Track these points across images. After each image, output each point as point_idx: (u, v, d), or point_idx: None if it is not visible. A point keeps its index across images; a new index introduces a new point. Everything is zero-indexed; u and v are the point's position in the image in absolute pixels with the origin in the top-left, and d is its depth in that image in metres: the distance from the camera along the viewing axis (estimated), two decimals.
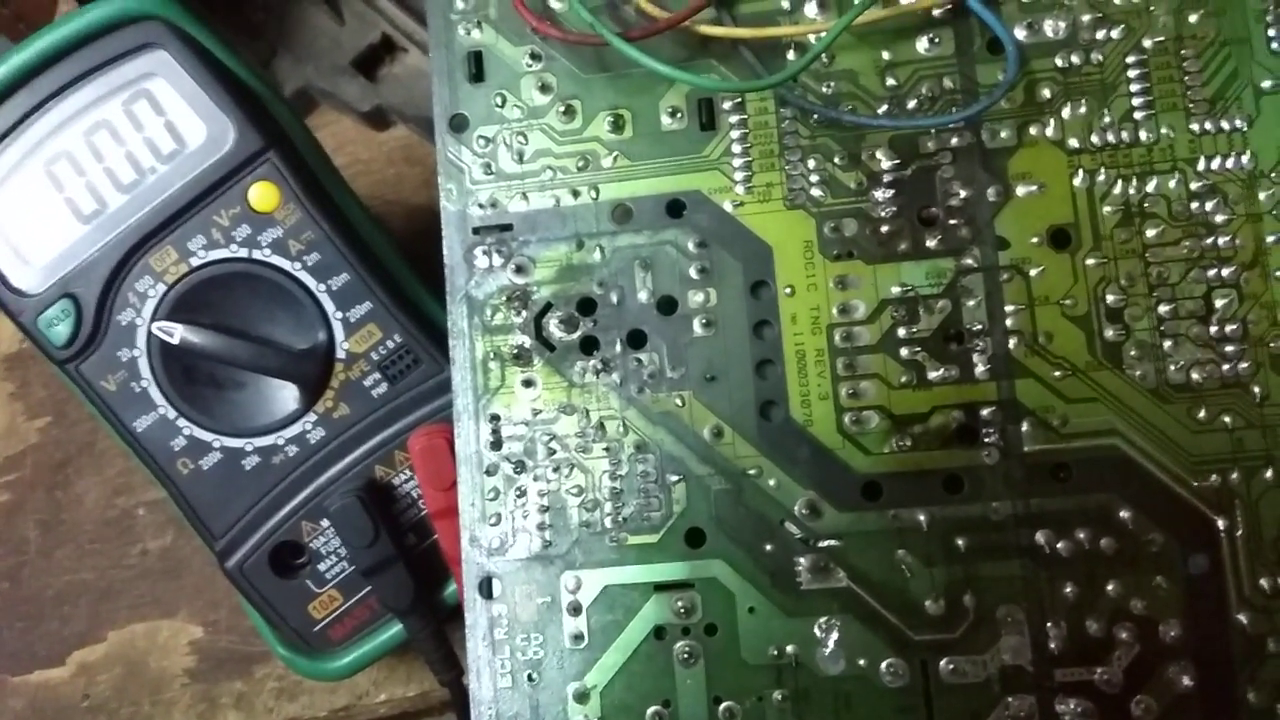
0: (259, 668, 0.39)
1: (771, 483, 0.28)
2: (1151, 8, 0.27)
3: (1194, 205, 0.27)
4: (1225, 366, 0.26)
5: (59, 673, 0.42)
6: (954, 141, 0.28)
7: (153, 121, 0.31)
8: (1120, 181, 0.27)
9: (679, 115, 0.29)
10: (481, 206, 0.29)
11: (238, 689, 0.39)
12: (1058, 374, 0.27)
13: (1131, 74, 0.27)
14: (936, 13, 0.28)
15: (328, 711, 0.38)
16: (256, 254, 0.31)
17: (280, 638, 0.33)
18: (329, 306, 0.32)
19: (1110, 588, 0.26)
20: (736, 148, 0.29)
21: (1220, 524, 0.26)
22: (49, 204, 0.31)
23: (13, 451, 0.47)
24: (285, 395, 0.32)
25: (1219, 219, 0.27)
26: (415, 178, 0.46)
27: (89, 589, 0.43)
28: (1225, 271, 0.27)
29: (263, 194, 0.31)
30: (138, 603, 0.42)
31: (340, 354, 0.32)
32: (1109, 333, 0.27)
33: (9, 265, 0.31)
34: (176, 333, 0.31)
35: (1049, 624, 0.26)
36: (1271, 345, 0.26)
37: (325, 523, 0.32)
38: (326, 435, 0.32)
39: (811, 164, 0.28)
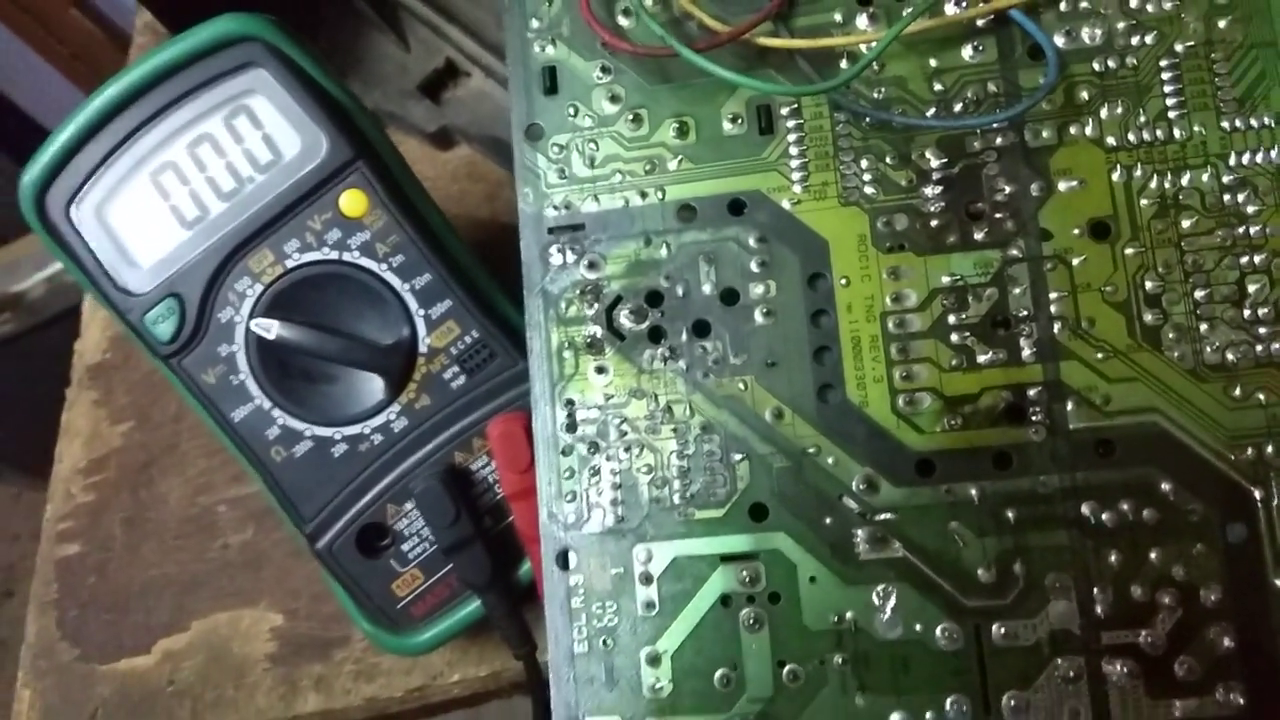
0: (337, 651, 0.41)
1: (830, 460, 0.30)
2: (1182, 14, 0.29)
3: (1226, 197, 0.29)
4: (1259, 347, 0.28)
5: (145, 660, 0.44)
6: (998, 141, 0.30)
7: (251, 134, 0.33)
8: (1156, 176, 0.29)
9: (739, 121, 0.31)
10: (556, 208, 0.32)
11: (317, 672, 0.41)
12: (1100, 356, 0.29)
13: (1165, 76, 0.29)
14: (980, 22, 0.30)
15: (403, 691, 0.39)
16: (346, 256, 0.34)
17: (365, 615, 0.35)
18: (412, 304, 0.34)
19: (1153, 555, 0.28)
20: (793, 150, 0.31)
21: (1257, 494, 0.28)
22: (155, 211, 0.33)
23: (97, 455, 0.50)
24: (371, 387, 0.34)
25: (1250, 210, 0.28)
26: (479, 193, 0.48)
27: (173, 582, 0.45)
28: (1257, 258, 0.28)
29: (352, 201, 0.33)
30: (220, 593, 0.44)
31: (422, 349, 0.34)
32: (1148, 317, 0.29)
33: (118, 267, 0.33)
34: (273, 329, 0.33)
35: (1095, 590, 0.28)
36: None
37: (408, 505, 0.34)
38: (409, 424, 0.34)
39: (864, 164, 0.30)
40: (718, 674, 0.29)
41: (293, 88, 0.33)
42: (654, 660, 0.29)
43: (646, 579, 0.30)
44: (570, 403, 0.31)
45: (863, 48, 0.30)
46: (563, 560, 0.30)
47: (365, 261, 0.34)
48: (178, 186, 0.33)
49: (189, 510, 0.46)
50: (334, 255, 0.34)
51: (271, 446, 0.34)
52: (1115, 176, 0.29)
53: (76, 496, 0.49)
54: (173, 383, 0.34)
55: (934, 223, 0.30)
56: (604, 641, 0.30)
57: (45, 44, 1.24)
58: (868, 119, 0.30)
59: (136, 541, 0.47)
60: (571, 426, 0.31)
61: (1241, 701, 0.27)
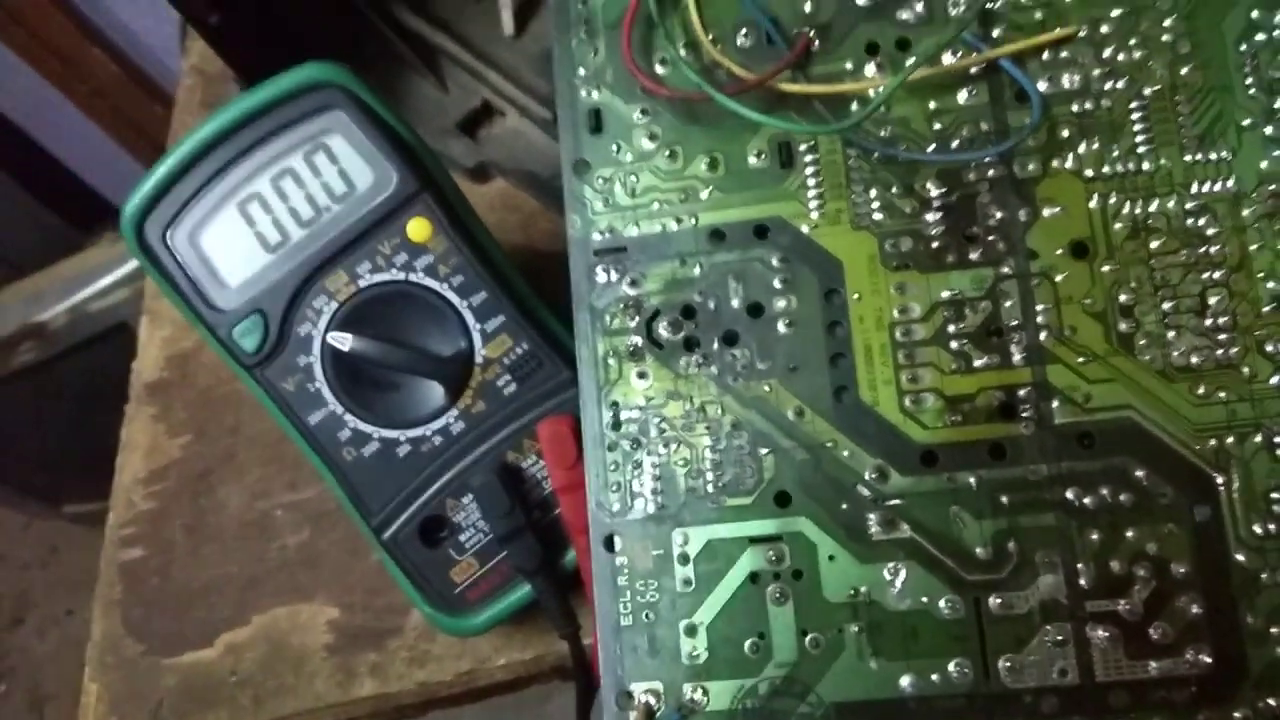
0: (391, 640, 0.45)
1: (845, 453, 0.33)
2: (1150, 62, 0.33)
3: (1189, 221, 0.33)
4: (1219, 351, 0.32)
5: (208, 653, 0.48)
6: (990, 173, 0.34)
7: (328, 169, 0.37)
8: (1128, 203, 0.33)
9: (763, 156, 0.35)
10: (601, 233, 0.36)
11: (372, 660, 0.45)
12: (1081, 360, 0.33)
13: (1135, 116, 0.33)
14: (973, 70, 0.34)
15: (453, 675, 0.43)
16: (412, 277, 0.38)
17: (426, 599, 0.39)
18: (470, 320, 0.38)
19: (1129, 534, 0.32)
20: (811, 181, 0.35)
21: (1219, 480, 0.32)
22: (242, 237, 0.37)
23: (157, 466, 0.53)
24: (433, 394, 0.38)
25: (1210, 232, 0.33)
26: (514, 222, 0.53)
27: (233, 580, 0.49)
28: (1216, 274, 0.32)
29: (418, 227, 0.37)
30: (279, 590, 0.48)
31: (478, 359, 0.38)
32: (1122, 325, 0.33)
33: (209, 286, 0.37)
34: (347, 342, 0.37)
35: (1079, 565, 0.32)
36: (1257, 334, 0.32)
37: (466, 499, 0.38)
38: (466, 427, 0.38)
39: (873, 193, 0.34)
40: (748, 643, 0.33)
41: (366, 128, 0.37)
42: (691, 631, 0.33)
43: (684, 559, 0.34)
44: (615, 404, 0.35)
45: (871, 92, 0.34)
46: (609, 544, 0.34)
47: (429, 281, 0.38)
48: (262, 215, 0.37)
49: (247, 515, 0.50)
50: (401, 276, 0.38)
51: (343, 448, 0.38)
52: (1093, 204, 0.33)
53: (138, 504, 0.53)
54: (253, 391, 0.38)
55: (935, 244, 0.34)
56: (646, 615, 0.34)
57: (65, 81, 1.28)
58: (876, 154, 0.34)
59: (197, 544, 0.50)
60: (616, 425, 0.35)
61: (1208, 660, 0.31)
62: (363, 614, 0.46)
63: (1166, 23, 0.33)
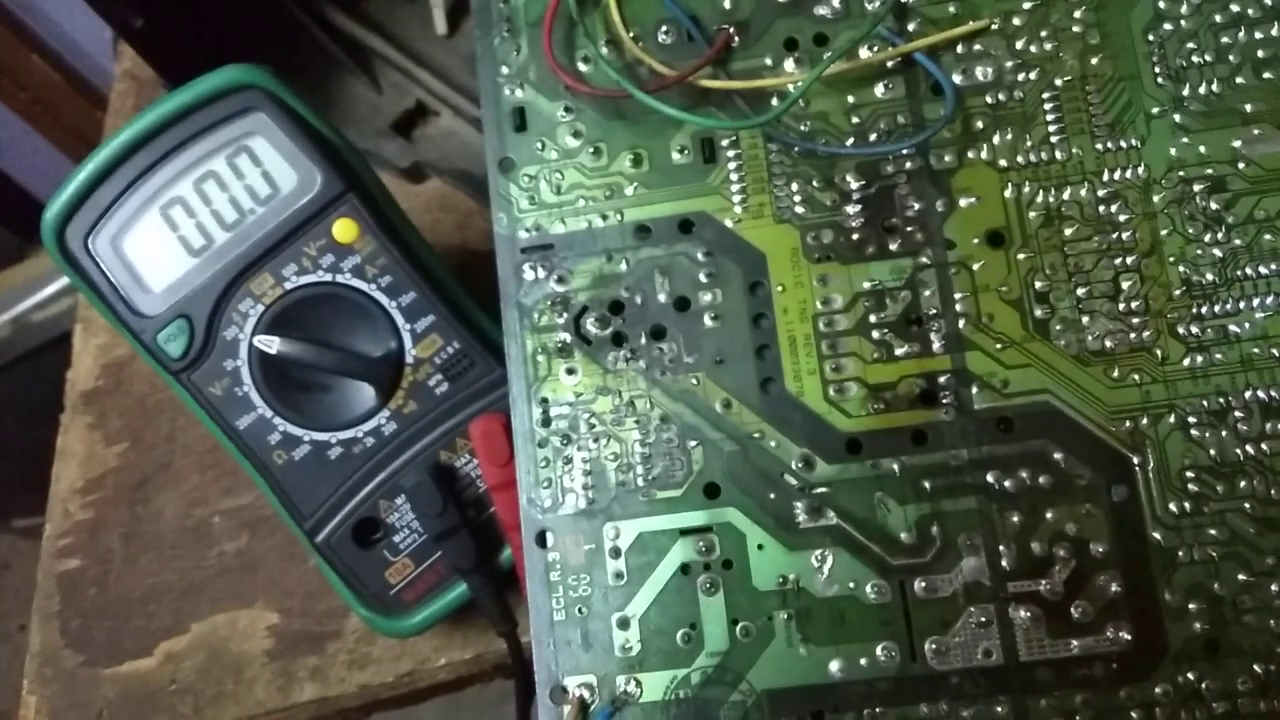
0: (331, 644, 0.44)
1: (772, 444, 0.34)
2: (1061, 53, 0.34)
3: (1101, 208, 0.33)
4: (1132, 335, 0.33)
5: (147, 662, 0.47)
6: (908, 165, 0.34)
7: (251, 171, 0.37)
8: (1042, 192, 0.34)
9: (686, 152, 0.35)
10: (527, 230, 0.36)
11: (312, 664, 0.44)
12: (999, 346, 0.33)
13: (1047, 107, 0.34)
14: (890, 64, 0.35)
15: (394, 677, 0.43)
16: (339, 278, 0.37)
17: (361, 602, 0.39)
18: (399, 320, 0.38)
19: (1049, 515, 0.32)
20: (734, 176, 0.35)
21: (1135, 460, 0.32)
22: (165, 241, 0.37)
23: (93, 475, 0.53)
24: (364, 395, 0.38)
25: (1122, 218, 0.33)
26: (450, 222, 0.53)
27: (172, 589, 0.48)
28: (1129, 259, 0.33)
29: (344, 228, 0.37)
30: (218, 597, 0.47)
31: (409, 359, 0.38)
32: (1038, 312, 0.33)
33: (132, 292, 0.37)
34: (274, 345, 0.37)
35: (1001, 547, 0.32)
36: (1169, 317, 0.33)
37: (399, 500, 0.38)
38: (398, 428, 0.38)
39: (794, 187, 0.35)
40: (679, 633, 0.33)
41: (289, 129, 0.37)
42: (624, 624, 0.34)
43: (615, 553, 0.34)
44: (545, 401, 0.35)
45: (790, 87, 0.35)
46: (541, 540, 0.34)
47: (356, 282, 0.38)
48: (185, 219, 0.37)
49: (185, 522, 0.50)
50: (328, 277, 0.37)
51: (273, 451, 0.38)
52: (1007, 193, 0.34)
53: (74, 514, 0.52)
54: (181, 397, 0.38)
55: (855, 236, 0.34)
56: (579, 609, 0.34)
57: (5, 89, 1.26)
58: (796, 148, 0.35)
59: (135, 553, 0.50)
60: (546, 422, 0.35)
61: (1128, 637, 0.32)
62: (302, 619, 0.45)
63: (1076, 14, 0.34)
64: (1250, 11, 0.33)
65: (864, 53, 0.35)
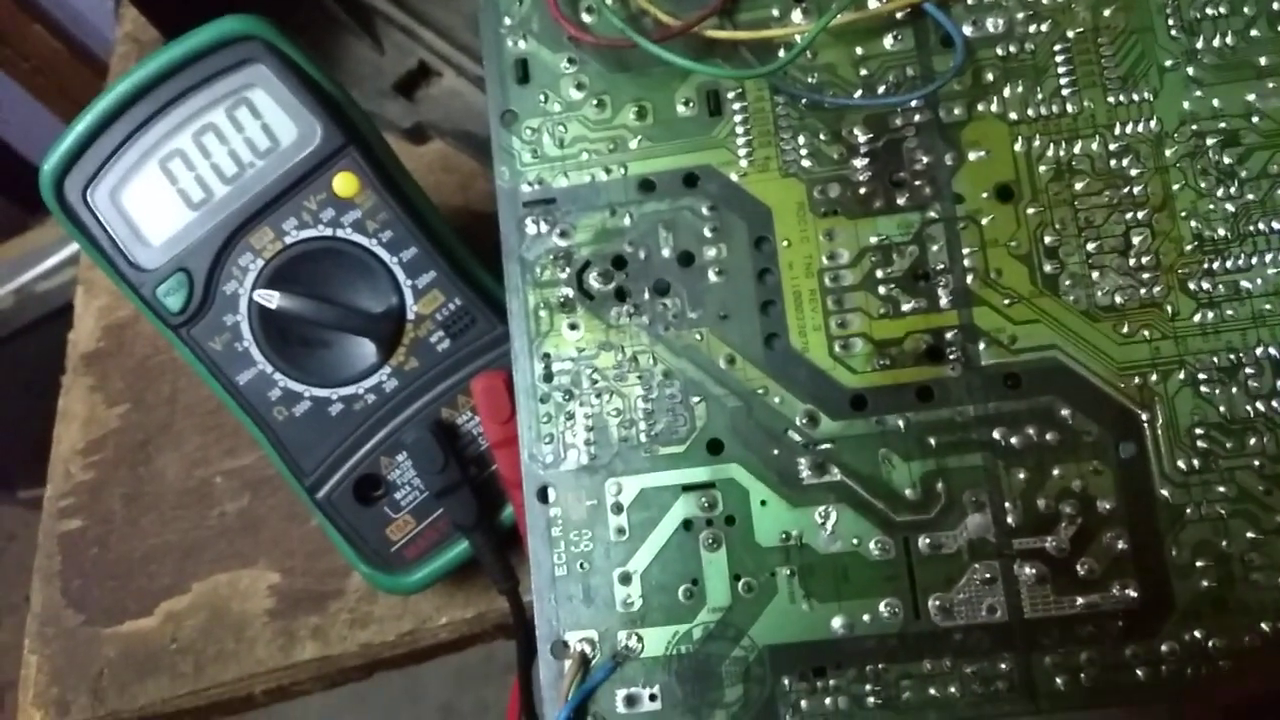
0: (332, 603, 0.44)
1: (776, 400, 0.34)
2: (1073, 5, 0.34)
3: (1113, 162, 0.33)
4: (1142, 290, 0.32)
5: (148, 622, 0.47)
6: (917, 118, 0.34)
7: (251, 124, 0.37)
8: (1052, 145, 0.33)
9: (691, 104, 0.35)
10: (530, 184, 0.35)
11: (314, 623, 0.44)
12: (1007, 302, 0.33)
13: (1058, 59, 0.33)
14: (899, 15, 0.34)
15: (395, 636, 0.43)
16: (340, 232, 0.37)
17: (362, 559, 0.38)
18: (400, 275, 0.38)
19: (1056, 472, 0.32)
20: (739, 129, 0.35)
21: (1144, 417, 0.32)
22: (165, 194, 0.37)
23: (95, 436, 0.53)
24: (364, 351, 0.38)
25: (1133, 172, 0.33)
26: (452, 183, 0.52)
27: (173, 549, 0.48)
28: (1140, 214, 0.33)
29: (344, 182, 0.37)
30: (219, 556, 0.47)
31: (410, 315, 0.38)
32: (1047, 267, 0.33)
33: (131, 245, 0.37)
34: (274, 299, 0.37)
35: (1006, 504, 0.32)
36: (1180, 272, 0.32)
37: (400, 457, 0.38)
38: (400, 385, 0.38)
39: (801, 140, 0.34)
40: (681, 589, 0.33)
41: (289, 81, 0.36)
42: (625, 579, 0.33)
43: (617, 509, 0.34)
44: (547, 356, 0.35)
45: (797, 38, 0.34)
46: (543, 495, 0.34)
47: (357, 237, 0.37)
48: (185, 172, 0.37)
49: (186, 483, 0.49)
50: (328, 232, 0.37)
51: (274, 407, 0.38)
52: (1017, 146, 0.33)
53: (76, 475, 0.52)
54: (181, 352, 0.38)
55: (862, 190, 0.34)
56: (581, 565, 0.34)
57: (6, 59, 1.26)
58: (803, 101, 0.34)
59: (136, 514, 0.50)
60: (548, 377, 0.35)
61: (1134, 595, 0.31)
62: (303, 578, 0.45)
63: None
64: None
65: (872, 3, 0.34)
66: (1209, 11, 0.33)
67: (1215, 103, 0.33)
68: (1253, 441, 0.32)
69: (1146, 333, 0.32)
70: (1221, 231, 0.32)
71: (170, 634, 0.47)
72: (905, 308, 0.33)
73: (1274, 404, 0.32)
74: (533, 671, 0.36)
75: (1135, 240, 0.33)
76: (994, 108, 0.34)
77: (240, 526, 0.47)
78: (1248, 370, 0.32)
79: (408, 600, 0.43)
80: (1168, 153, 0.33)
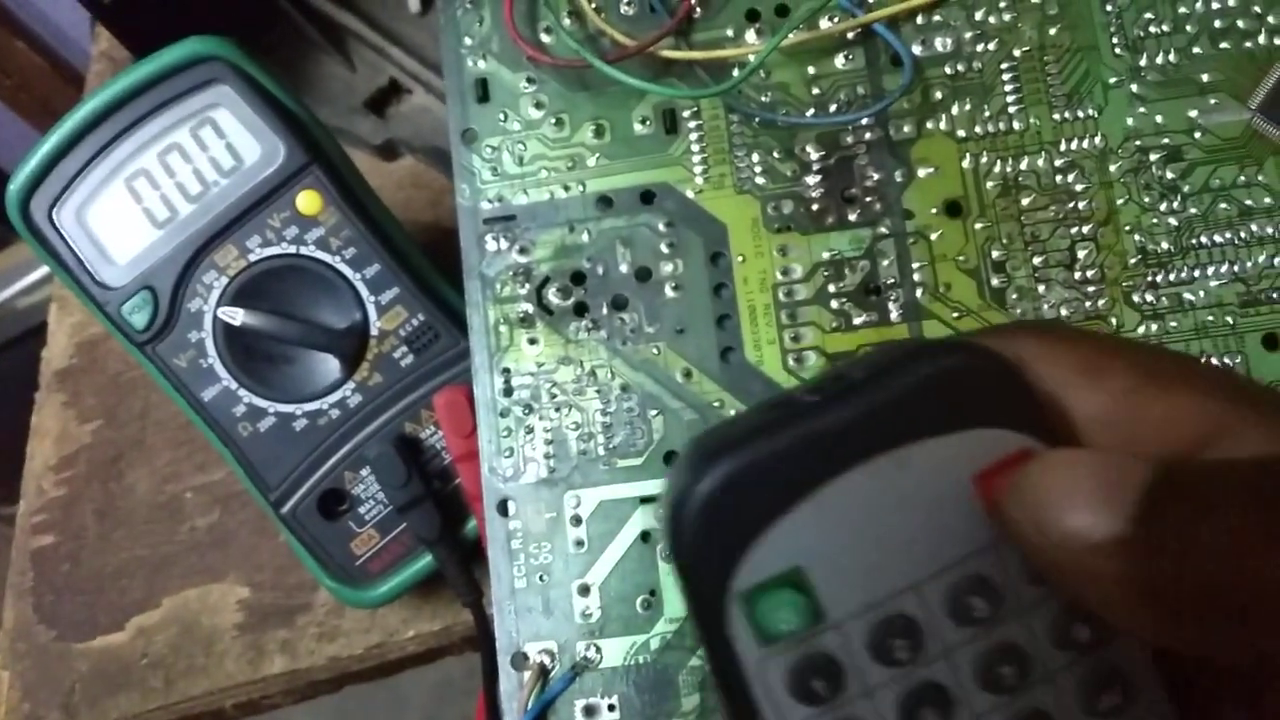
0: (301, 616, 0.45)
1: (732, 412, 0.34)
2: (1019, 24, 0.34)
3: (1058, 178, 0.34)
4: (1088, 303, 0.33)
5: (119, 637, 0.47)
6: (867, 136, 0.35)
7: (215, 143, 0.37)
8: (999, 162, 0.34)
9: (648, 122, 0.36)
10: (490, 201, 0.36)
11: (282, 636, 0.45)
12: (956, 315, 0.34)
13: (1005, 77, 0.34)
14: (850, 35, 0.35)
15: (363, 649, 0.43)
16: (303, 250, 0.38)
17: (327, 573, 0.39)
18: (364, 292, 0.38)
19: None
20: (695, 147, 0.35)
21: None
22: (129, 213, 0.37)
23: (67, 452, 0.53)
24: (328, 367, 0.38)
25: (1079, 188, 0.34)
26: (422, 199, 0.53)
27: (144, 564, 0.48)
28: (1085, 229, 0.33)
29: (308, 200, 0.37)
30: (189, 571, 0.47)
31: (374, 331, 0.38)
32: (995, 281, 0.34)
33: (96, 264, 0.37)
34: (238, 316, 0.37)
35: None
36: (1124, 285, 0.33)
37: (364, 472, 0.38)
38: (363, 400, 0.38)
39: (755, 157, 0.35)
40: (640, 599, 0.34)
41: (252, 101, 0.37)
42: (584, 591, 0.34)
43: (576, 521, 0.34)
44: (506, 371, 0.35)
45: (750, 57, 0.35)
46: (503, 508, 0.35)
47: (320, 254, 0.38)
48: (150, 191, 0.37)
49: (157, 498, 0.50)
50: (292, 249, 0.37)
51: (239, 423, 0.38)
52: (965, 163, 0.34)
53: (48, 491, 0.52)
54: (147, 369, 0.38)
55: (815, 206, 0.35)
56: (540, 577, 0.34)
57: None
58: (757, 119, 0.35)
59: (108, 529, 0.50)
60: (508, 391, 0.35)
61: None
62: (272, 592, 0.46)
63: None
64: None
65: (824, 23, 0.35)
66: (1152, 30, 0.34)
67: (1158, 119, 0.34)
68: None
69: None
70: (1165, 245, 0.33)
71: (141, 649, 0.47)
72: (857, 321, 0.34)
73: None
74: (497, 684, 0.36)
75: (1080, 254, 0.33)
76: (943, 125, 0.34)
77: (210, 541, 0.48)
78: None
79: (375, 614, 0.44)
80: (1112, 168, 0.34)
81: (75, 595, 0.49)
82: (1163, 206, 0.33)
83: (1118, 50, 0.34)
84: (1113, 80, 0.34)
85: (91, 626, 0.48)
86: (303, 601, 0.45)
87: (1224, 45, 0.34)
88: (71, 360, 0.55)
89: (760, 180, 0.35)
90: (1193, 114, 0.33)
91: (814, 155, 0.35)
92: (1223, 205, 0.33)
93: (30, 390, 0.56)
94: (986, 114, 0.34)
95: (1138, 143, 0.34)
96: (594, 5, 0.35)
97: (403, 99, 0.55)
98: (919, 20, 0.35)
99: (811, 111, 0.35)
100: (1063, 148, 0.34)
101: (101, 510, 0.51)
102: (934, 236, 0.34)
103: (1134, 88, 0.34)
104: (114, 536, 0.50)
